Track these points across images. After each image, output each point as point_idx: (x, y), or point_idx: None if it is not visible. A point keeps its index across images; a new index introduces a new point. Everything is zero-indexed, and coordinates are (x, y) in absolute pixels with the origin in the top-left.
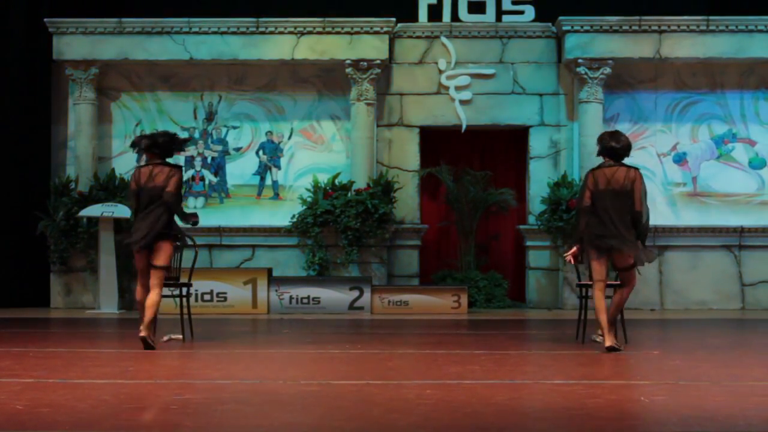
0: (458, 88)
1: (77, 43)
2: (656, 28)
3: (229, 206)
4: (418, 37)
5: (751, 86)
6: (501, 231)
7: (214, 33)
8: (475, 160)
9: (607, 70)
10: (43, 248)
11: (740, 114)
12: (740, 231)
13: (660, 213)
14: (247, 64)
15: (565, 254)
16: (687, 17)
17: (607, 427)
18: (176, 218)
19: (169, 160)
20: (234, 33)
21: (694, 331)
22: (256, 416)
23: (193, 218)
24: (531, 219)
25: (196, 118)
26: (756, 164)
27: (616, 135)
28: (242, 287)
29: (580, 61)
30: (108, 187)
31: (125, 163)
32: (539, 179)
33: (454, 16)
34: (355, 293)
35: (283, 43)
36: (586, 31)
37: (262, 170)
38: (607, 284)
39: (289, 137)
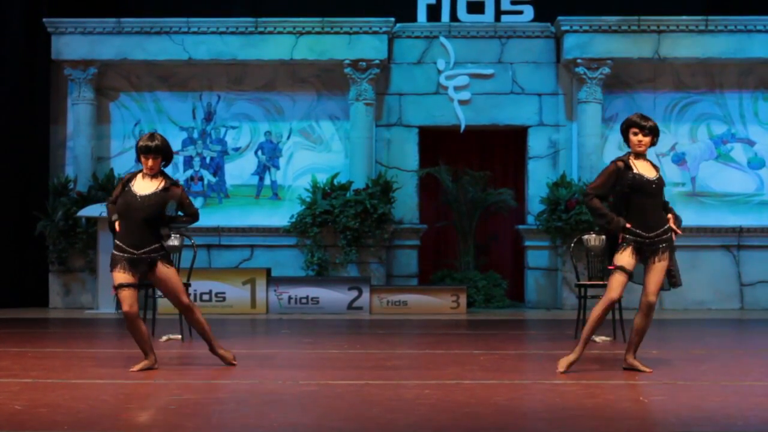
0: (457, 88)
1: (76, 43)
2: (655, 28)
3: (227, 206)
4: (417, 37)
5: (750, 86)
6: (500, 231)
7: (213, 33)
8: (473, 160)
9: (606, 70)
10: (41, 248)
11: (739, 114)
12: (739, 231)
13: None
14: (245, 64)
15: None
16: (686, 17)
17: (606, 427)
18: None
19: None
20: (233, 33)
21: (692, 331)
22: (256, 416)
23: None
24: (530, 219)
25: (194, 118)
26: (755, 164)
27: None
28: (241, 287)
29: (579, 61)
30: (107, 188)
31: (124, 163)
32: (538, 179)
33: (453, 16)
34: (354, 293)
35: (282, 43)
36: (585, 31)
37: (261, 170)
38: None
39: (288, 137)
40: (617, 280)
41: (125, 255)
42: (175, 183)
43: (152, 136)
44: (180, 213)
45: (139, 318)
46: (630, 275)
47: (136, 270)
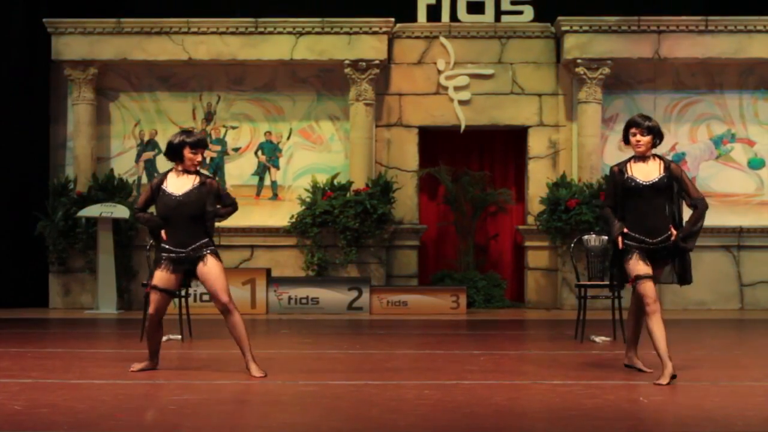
0: (457, 89)
1: (76, 43)
2: (655, 28)
3: None
4: (416, 38)
5: (750, 86)
6: (500, 231)
7: (213, 33)
8: (473, 160)
9: (606, 71)
10: (41, 249)
11: (739, 114)
12: (739, 231)
13: None
14: (245, 65)
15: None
16: (686, 17)
17: (606, 427)
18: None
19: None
20: (233, 33)
21: (692, 332)
22: (255, 416)
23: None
24: (530, 219)
25: (194, 118)
26: (755, 164)
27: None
28: (241, 287)
29: (578, 61)
30: (107, 188)
31: (124, 164)
32: (538, 179)
33: (453, 17)
34: (354, 294)
35: (282, 44)
36: (585, 32)
37: (261, 170)
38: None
39: (288, 137)
40: (648, 288)
41: (171, 255)
42: (209, 176)
43: (192, 131)
44: (218, 206)
45: (161, 324)
46: (653, 277)
47: (178, 268)
